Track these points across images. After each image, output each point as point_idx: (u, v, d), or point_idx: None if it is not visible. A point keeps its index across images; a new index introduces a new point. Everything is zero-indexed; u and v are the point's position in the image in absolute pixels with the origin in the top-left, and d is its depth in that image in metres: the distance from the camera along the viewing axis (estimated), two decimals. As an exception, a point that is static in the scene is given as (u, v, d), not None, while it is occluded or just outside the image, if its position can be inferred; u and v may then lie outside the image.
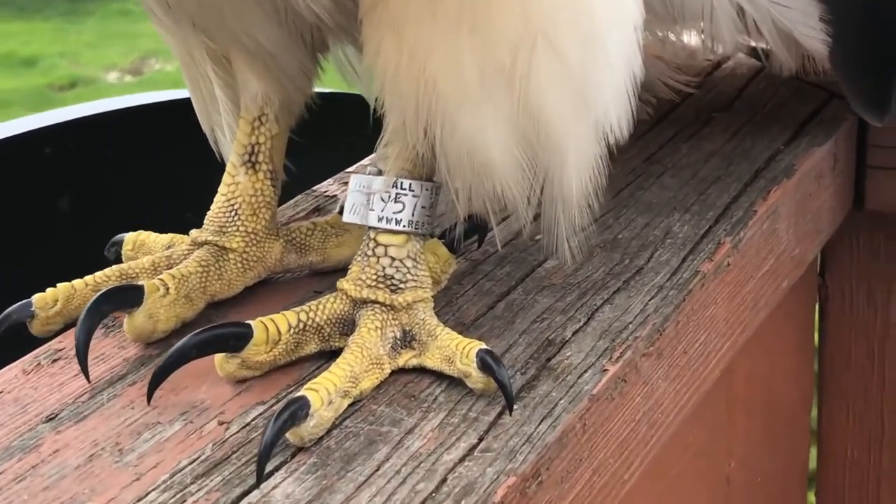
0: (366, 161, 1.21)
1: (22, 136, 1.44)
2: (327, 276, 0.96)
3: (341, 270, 0.96)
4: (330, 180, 1.16)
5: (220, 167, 1.52)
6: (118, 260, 0.99)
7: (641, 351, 0.84)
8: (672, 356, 0.88)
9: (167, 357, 0.79)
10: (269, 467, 0.72)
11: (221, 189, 0.95)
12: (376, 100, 0.84)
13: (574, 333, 0.85)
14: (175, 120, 1.60)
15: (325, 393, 0.76)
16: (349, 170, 1.19)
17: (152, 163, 1.61)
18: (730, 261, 0.96)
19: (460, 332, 0.86)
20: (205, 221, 0.95)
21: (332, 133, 1.41)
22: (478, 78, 0.78)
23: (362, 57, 0.83)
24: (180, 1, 0.84)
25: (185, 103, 1.56)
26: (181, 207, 1.64)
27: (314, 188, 1.14)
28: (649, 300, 0.89)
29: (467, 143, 0.81)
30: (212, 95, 0.95)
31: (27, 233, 1.50)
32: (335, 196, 1.12)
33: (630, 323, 0.86)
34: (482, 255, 0.98)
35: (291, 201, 1.11)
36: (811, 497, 1.48)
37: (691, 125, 1.21)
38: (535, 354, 0.83)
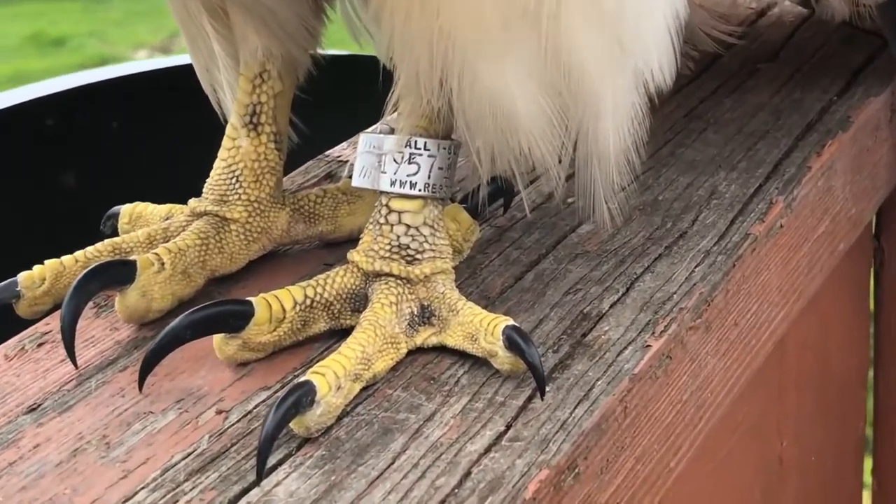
0: (380, 124, 1.13)
1: (21, 105, 1.37)
2: (339, 248, 0.88)
3: (354, 241, 0.89)
4: (344, 144, 1.08)
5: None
6: (115, 234, 0.91)
7: (688, 324, 0.75)
8: (721, 329, 0.79)
9: (159, 339, 0.71)
10: (271, 461, 0.64)
11: (221, 154, 0.87)
12: (385, 51, 0.75)
13: (612, 306, 0.77)
14: (189, 85, 1.52)
15: (333, 377, 0.67)
16: (368, 132, 1.10)
17: (164, 132, 1.53)
18: (783, 222, 0.87)
19: (485, 307, 0.78)
20: (204, 190, 0.87)
21: (347, 95, 1.32)
22: (500, 21, 0.69)
23: (367, 3, 0.75)
24: None
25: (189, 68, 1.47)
26: (198, 177, 1.56)
27: (326, 153, 1.06)
28: (695, 267, 0.80)
29: (489, 95, 0.72)
30: (210, 51, 0.87)
31: (29, 210, 1.42)
32: (348, 161, 1.04)
33: (674, 293, 0.77)
34: (508, 221, 0.90)
35: (302, 167, 1.02)
36: (868, 467, 1.39)
37: (735, 77, 1.12)
38: (568, 330, 0.74)
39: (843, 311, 1.18)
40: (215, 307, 0.72)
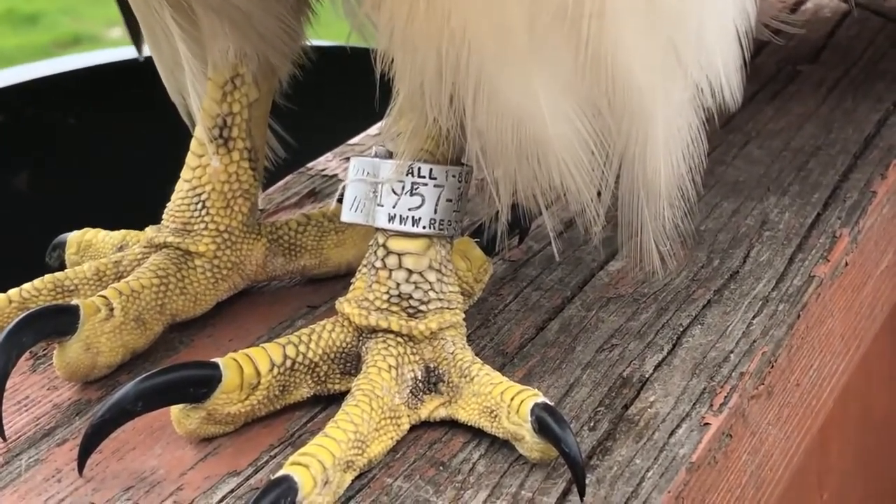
0: (373, 130, 0.99)
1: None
2: (324, 285, 0.75)
3: (343, 277, 0.75)
4: (328, 155, 0.94)
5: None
6: (62, 267, 0.77)
7: (749, 392, 0.62)
8: (784, 392, 0.66)
9: (102, 413, 0.57)
10: (240, 579, 0.51)
11: (184, 174, 0.73)
12: (381, 57, 0.61)
13: (657, 367, 0.63)
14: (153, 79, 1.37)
15: (319, 469, 0.54)
16: (352, 141, 0.97)
17: (127, 130, 1.38)
18: (848, 259, 0.74)
19: (502, 366, 0.65)
20: (164, 216, 0.73)
21: (331, 95, 1.18)
22: (528, 23, 0.56)
23: (360, 1, 0.61)
24: None
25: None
26: (164, 182, 1.42)
27: (308, 165, 0.92)
28: (753, 318, 0.67)
29: (511, 115, 0.58)
30: (175, 52, 0.73)
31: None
32: (335, 176, 0.90)
33: (731, 352, 0.64)
34: (524, 254, 0.76)
35: (280, 183, 0.88)
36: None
37: (774, 81, 0.98)
38: (605, 399, 0.61)
39: (883, 350, 1.05)
40: (173, 372, 0.59)
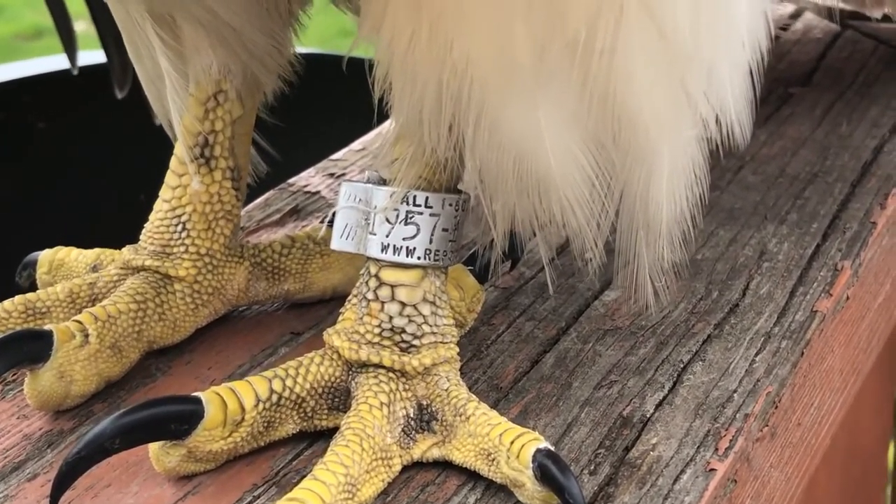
0: (356, 145, 0.96)
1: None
2: (309, 310, 0.72)
3: (327, 302, 0.72)
4: (311, 171, 0.91)
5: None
6: (33, 287, 0.73)
7: (755, 435, 0.60)
8: (786, 433, 0.64)
9: (78, 449, 0.54)
10: None
11: (164, 194, 0.69)
12: (379, 81, 0.58)
13: (658, 406, 0.61)
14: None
15: (308, 515, 0.51)
16: (335, 157, 0.94)
17: (96, 135, 1.34)
18: (849, 293, 0.72)
19: (497, 402, 0.62)
20: (141, 237, 0.69)
21: (311, 105, 1.15)
22: (535, 56, 0.53)
23: (359, 23, 0.58)
24: None
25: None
26: (133, 189, 1.38)
27: (290, 181, 0.89)
28: (755, 355, 0.64)
29: (513, 148, 0.55)
30: (156, 65, 0.69)
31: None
32: (318, 193, 0.87)
33: (734, 391, 0.62)
34: (515, 281, 0.74)
35: (260, 199, 0.86)
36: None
37: (766, 103, 0.96)
38: (606, 441, 0.58)
39: (871, 382, 1.03)
40: (153, 408, 0.56)
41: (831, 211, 0.79)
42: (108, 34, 1.04)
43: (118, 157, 1.36)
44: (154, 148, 1.36)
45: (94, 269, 0.72)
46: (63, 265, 0.74)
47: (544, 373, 0.64)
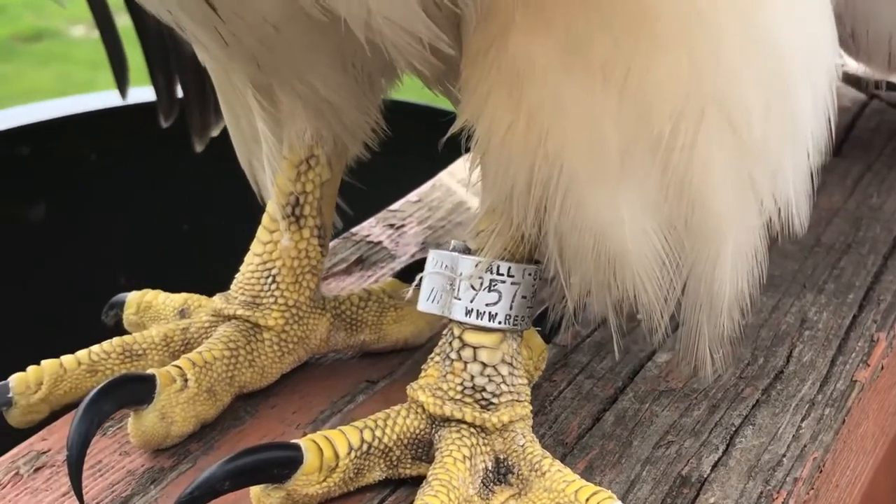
0: (413, 196, 1.01)
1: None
2: (379, 360, 0.77)
3: (398, 352, 0.77)
4: (372, 221, 0.96)
5: (221, 176, 1.29)
6: (118, 326, 0.78)
7: (803, 497, 0.65)
8: (826, 494, 0.69)
9: (190, 491, 0.59)
10: None
11: (255, 248, 0.75)
12: (473, 163, 0.63)
13: (713, 468, 0.66)
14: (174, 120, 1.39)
15: (405, 560, 0.56)
16: (393, 207, 0.99)
17: (142, 167, 1.40)
18: (884, 363, 0.77)
19: (563, 456, 0.67)
20: (232, 287, 0.75)
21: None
22: (621, 150, 0.58)
23: (458, 108, 0.63)
24: (240, 39, 0.63)
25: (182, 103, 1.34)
26: (177, 218, 1.43)
27: (353, 231, 0.94)
28: (801, 421, 0.70)
29: (595, 229, 0.61)
30: (252, 127, 0.75)
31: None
32: (380, 243, 0.92)
33: (784, 456, 0.67)
34: (572, 339, 0.79)
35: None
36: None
37: (800, 172, 1.02)
38: (668, 499, 0.64)
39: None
40: (259, 453, 0.61)
41: (866, 283, 0.85)
42: (157, 65, 1.08)
43: (163, 187, 1.41)
44: (197, 181, 1.42)
45: (182, 313, 0.78)
46: (150, 307, 0.79)
47: (606, 430, 0.70)
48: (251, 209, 0.80)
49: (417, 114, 1.41)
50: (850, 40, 1.01)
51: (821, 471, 0.67)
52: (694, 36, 0.57)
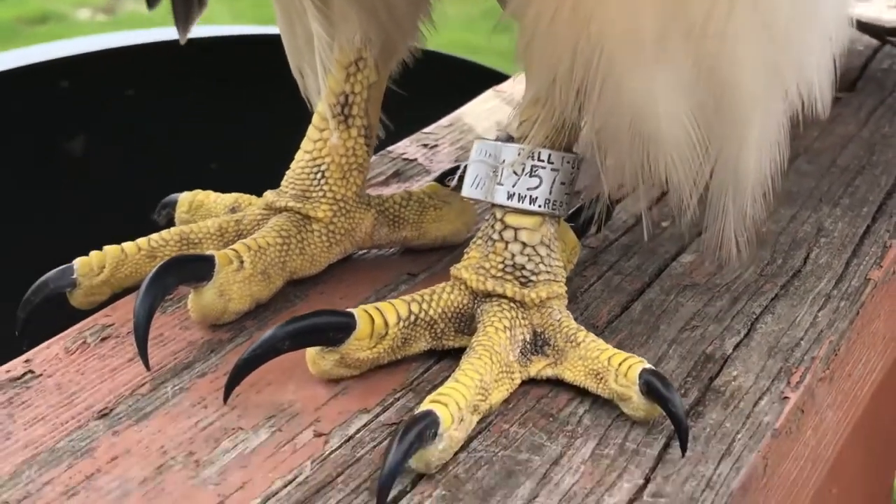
0: (444, 121, 1.06)
1: (36, 65, 1.28)
2: (420, 256, 0.82)
3: (435, 250, 0.82)
4: (406, 141, 1.01)
5: (249, 115, 1.34)
6: (170, 224, 0.83)
7: (819, 375, 0.70)
8: (840, 380, 0.74)
9: (254, 348, 0.64)
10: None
11: (305, 145, 0.79)
12: (521, 52, 0.68)
13: (735, 348, 0.71)
14: (208, 59, 1.44)
15: (455, 408, 0.61)
16: (427, 129, 1.04)
17: (176, 105, 1.44)
18: (895, 268, 0.82)
19: (594, 337, 0.72)
20: (283, 182, 0.79)
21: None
22: (658, 33, 0.63)
23: (506, 1, 0.68)
24: None
25: (216, 42, 1.39)
26: (205, 157, 1.48)
27: (389, 149, 0.99)
28: (818, 311, 0.75)
29: (631, 111, 0.66)
30: (304, 28, 0.79)
31: (32, 176, 1.33)
32: (416, 160, 0.97)
33: (801, 339, 0.72)
34: (602, 242, 0.84)
35: (366, 163, 0.95)
36: None
37: (816, 105, 1.06)
38: (693, 372, 0.68)
39: None
40: (317, 318, 0.66)
41: (879, 198, 0.89)
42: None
43: (195, 125, 1.46)
44: (226, 120, 1.46)
45: (233, 210, 0.82)
46: (202, 206, 0.83)
47: (634, 317, 0.74)
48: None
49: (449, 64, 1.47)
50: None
51: (836, 353, 0.72)
52: None
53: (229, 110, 1.40)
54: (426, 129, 1.03)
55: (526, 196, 0.70)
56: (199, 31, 1.40)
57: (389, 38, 0.79)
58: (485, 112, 1.08)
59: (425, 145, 1.00)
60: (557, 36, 0.65)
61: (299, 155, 0.80)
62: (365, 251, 0.82)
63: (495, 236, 0.70)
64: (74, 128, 1.38)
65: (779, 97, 0.67)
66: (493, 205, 0.71)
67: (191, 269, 0.71)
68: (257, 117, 1.40)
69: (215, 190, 0.84)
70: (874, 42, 1.22)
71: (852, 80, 1.14)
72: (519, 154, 0.70)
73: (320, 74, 0.79)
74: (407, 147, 0.99)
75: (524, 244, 0.70)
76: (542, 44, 0.66)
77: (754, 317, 0.74)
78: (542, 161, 0.70)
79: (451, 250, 0.82)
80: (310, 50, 0.80)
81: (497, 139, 0.72)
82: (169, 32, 1.45)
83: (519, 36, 0.67)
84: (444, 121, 1.06)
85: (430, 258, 0.81)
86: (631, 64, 0.65)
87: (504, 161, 0.70)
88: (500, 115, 1.06)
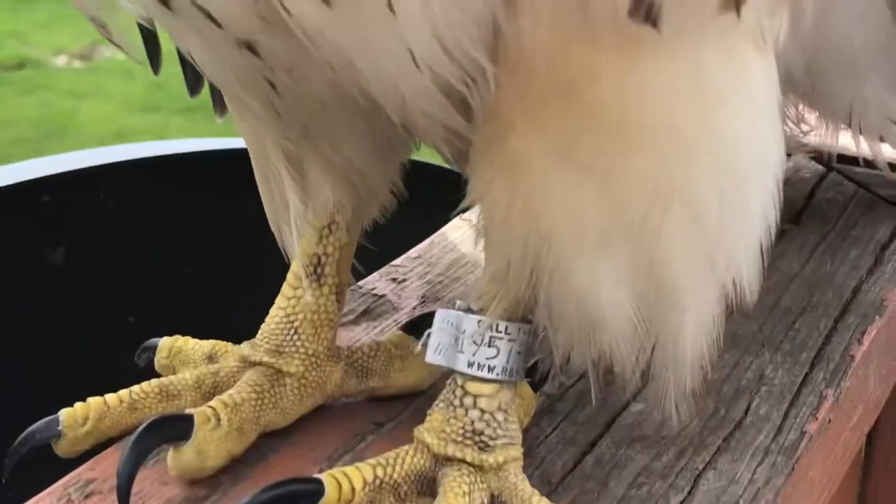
0: (413, 252, 1.11)
1: (20, 184, 1.33)
2: (386, 404, 0.87)
3: (402, 397, 0.87)
4: (376, 275, 1.06)
5: (225, 225, 1.40)
6: (149, 367, 0.88)
7: (755, 535, 0.75)
8: (776, 533, 0.79)
9: (227, 518, 0.69)
10: None
11: (280, 302, 0.85)
12: (478, 233, 0.74)
13: (678, 507, 0.76)
14: (185, 172, 1.49)
15: (416, 578, 0.66)
16: (395, 263, 1.09)
17: (156, 216, 1.50)
18: (831, 417, 0.87)
19: (548, 494, 0.77)
20: (258, 337, 0.84)
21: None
22: (600, 231, 0.69)
23: (469, 189, 0.73)
24: (290, 111, 0.74)
25: (194, 157, 1.44)
26: (182, 263, 1.53)
27: (359, 284, 1.04)
28: (756, 466, 0.80)
29: (577, 297, 0.71)
30: (282, 195, 0.85)
31: (15, 285, 1.38)
32: (385, 296, 1.02)
33: (740, 497, 0.77)
34: (557, 389, 0.89)
35: (336, 300, 1.00)
36: None
37: (763, 239, 1.13)
38: (639, 533, 0.74)
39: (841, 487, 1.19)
40: (285, 487, 0.70)
41: (818, 343, 0.95)
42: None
43: (172, 235, 1.51)
44: (203, 228, 1.51)
45: (210, 358, 0.87)
46: (181, 352, 0.88)
47: (586, 472, 0.80)
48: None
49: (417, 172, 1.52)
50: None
51: (772, 510, 0.77)
52: (663, 140, 0.67)
53: (206, 221, 1.45)
54: (395, 262, 1.09)
55: (485, 365, 0.75)
56: (179, 145, 1.47)
57: (361, 202, 0.84)
58: (451, 243, 1.13)
59: (394, 279, 1.05)
60: (511, 227, 0.71)
61: (273, 311, 0.85)
62: (335, 400, 0.87)
63: (456, 402, 0.75)
64: (56, 239, 1.43)
65: (711, 287, 0.73)
66: (455, 371, 0.76)
67: (171, 429, 0.76)
68: (233, 227, 1.45)
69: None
70: (819, 168, 1.28)
71: (797, 211, 1.20)
72: (479, 325, 0.75)
73: (294, 236, 0.84)
74: (376, 282, 1.05)
75: (483, 411, 0.75)
76: (497, 231, 0.72)
77: (697, 472, 0.79)
78: (500, 332, 0.75)
79: (415, 398, 0.87)
80: (287, 210, 0.85)
81: (458, 309, 0.77)
82: (144, 149, 1.51)
83: (479, 219, 0.73)
84: (413, 252, 1.11)
85: (396, 406, 0.86)
86: (577, 256, 0.70)
87: (465, 331, 0.76)
88: (466, 247, 1.11)
